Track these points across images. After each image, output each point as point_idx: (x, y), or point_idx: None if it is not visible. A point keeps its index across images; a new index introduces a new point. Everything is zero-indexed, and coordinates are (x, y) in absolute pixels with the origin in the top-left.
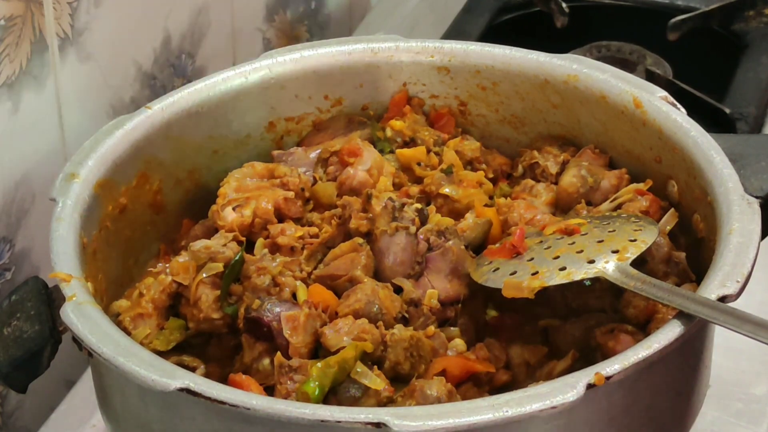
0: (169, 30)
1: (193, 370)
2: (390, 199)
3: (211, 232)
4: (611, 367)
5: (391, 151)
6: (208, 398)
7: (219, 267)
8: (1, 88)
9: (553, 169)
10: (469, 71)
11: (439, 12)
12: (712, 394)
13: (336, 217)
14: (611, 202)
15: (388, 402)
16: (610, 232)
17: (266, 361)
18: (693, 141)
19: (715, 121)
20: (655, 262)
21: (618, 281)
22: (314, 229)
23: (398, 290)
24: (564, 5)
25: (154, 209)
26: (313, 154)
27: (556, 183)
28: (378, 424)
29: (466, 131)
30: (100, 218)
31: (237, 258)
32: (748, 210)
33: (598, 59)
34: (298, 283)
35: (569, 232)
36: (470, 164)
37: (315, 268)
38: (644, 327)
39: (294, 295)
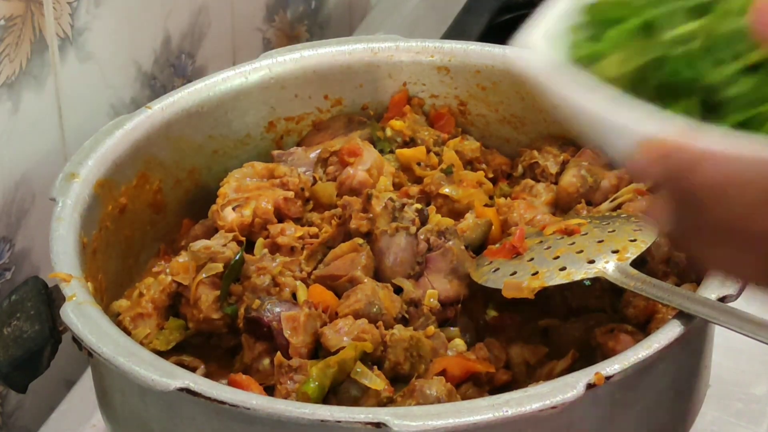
0: (169, 30)
1: (193, 370)
2: (390, 199)
3: (211, 232)
4: (611, 367)
5: (391, 151)
6: (208, 398)
7: (219, 267)
8: (1, 88)
9: (553, 169)
10: (469, 71)
11: (439, 12)
12: (712, 394)
13: (336, 217)
14: (611, 202)
15: (388, 402)
16: (610, 232)
17: (266, 361)
18: None
19: None
20: (655, 262)
21: (618, 281)
22: (314, 229)
23: (398, 290)
24: None
25: (154, 209)
26: (313, 154)
27: (556, 183)
28: (378, 424)
29: (466, 131)
30: (100, 218)
31: (237, 258)
32: None
33: None
34: (298, 283)
35: (569, 233)
36: (470, 164)
37: (315, 269)
38: (644, 327)
39: (294, 295)
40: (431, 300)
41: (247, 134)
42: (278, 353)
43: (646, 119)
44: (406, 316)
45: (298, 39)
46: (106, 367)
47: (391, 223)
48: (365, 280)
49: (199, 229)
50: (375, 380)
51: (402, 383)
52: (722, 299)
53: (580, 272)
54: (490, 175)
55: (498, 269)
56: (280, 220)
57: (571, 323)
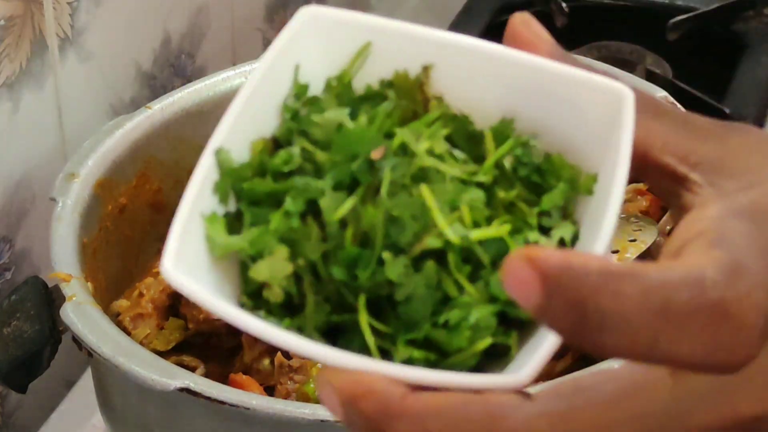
0: (168, 30)
1: (193, 370)
2: None
3: None
4: (611, 367)
5: None
6: (208, 398)
7: None
8: (1, 88)
9: None
10: None
11: (439, 12)
12: None
13: None
14: None
15: None
16: None
17: (266, 361)
18: None
19: None
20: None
21: None
22: None
23: None
24: (563, 5)
25: (154, 209)
26: None
27: None
28: None
29: None
30: (100, 218)
31: None
32: None
33: (597, 59)
34: None
35: None
36: None
37: None
38: None
39: None
40: None
41: None
42: (278, 353)
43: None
44: None
45: None
46: (106, 367)
47: None
48: None
49: None
50: None
51: None
52: None
53: None
54: None
55: None
56: None
57: None
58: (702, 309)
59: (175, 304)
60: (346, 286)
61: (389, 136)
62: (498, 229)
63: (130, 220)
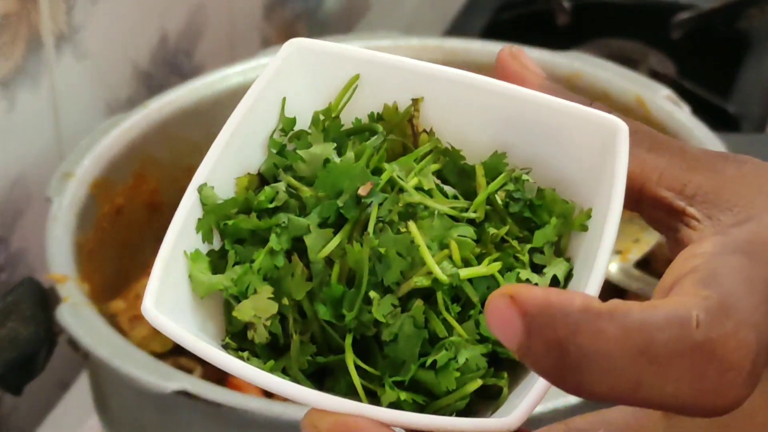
0: (165, 28)
1: (190, 372)
2: None
3: None
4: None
5: None
6: (206, 400)
7: None
8: None
9: None
10: (471, 69)
11: (440, 10)
12: None
13: None
14: None
15: None
16: None
17: None
18: (697, 140)
19: (719, 120)
20: (658, 263)
21: (621, 282)
22: None
23: None
24: (565, 3)
25: (150, 209)
26: None
27: None
28: None
29: None
30: (96, 218)
31: None
32: None
33: (600, 57)
34: None
35: None
36: None
37: None
38: None
39: None
40: None
41: None
42: None
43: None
44: None
45: (296, 37)
46: (102, 369)
47: None
48: None
49: None
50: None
51: None
52: None
53: None
54: None
55: None
56: None
57: None
58: (686, 350)
59: None
60: (332, 326)
61: (377, 171)
62: (488, 267)
63: (126, 221)
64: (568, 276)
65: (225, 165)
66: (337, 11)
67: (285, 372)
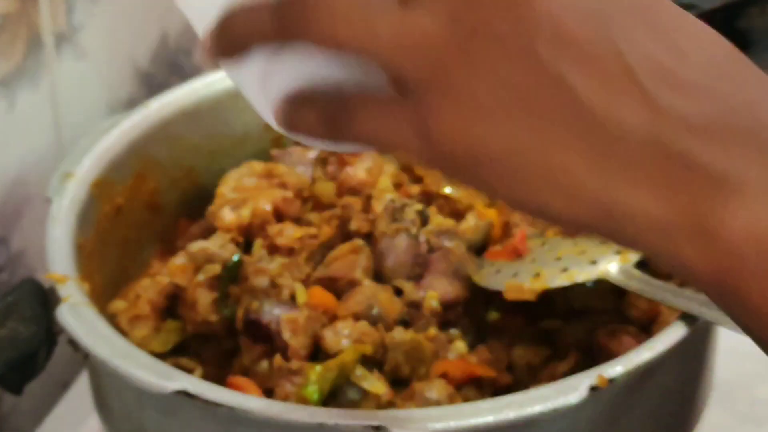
0: (166, 28)
1: (190, 372)
2: (391, 200)
3: (209, 232)
4: (614, 369)
5: None
6: (206, 400)
7: (216, 269)
8: None
9: None
10: None
11: None
12: (715, 397)
13: (335, 218)
14: None
15: (388, 405)
16: None
17: (265, 364)
18: None
19: None
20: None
21: (621, 283)
22: (313, 230)
23: (399, 292)
24: None
25: (150, 209)
26: (312, 154)
27: None
28: (377, 428)
29: None
30: (96, 218)
31: (235, 259)
32: None
33: None
34: (297, 284)
35: (570, 233)
36: None
37: (314, 270)
38: (647, 328)
39: (293, 297)
40: (432, 302)
41: (246, 134)
42: (277, 355)
43: None
44: (407, 318)
45: None
46: (102, 369)
47: (391, 224)
48: (365, 282)
49: (197, 229)
50: (375, 383)
51: (402, 386)
52: None
53: (582, 274)
54: None
55: (500, 271)
56: (280, 221)
57: (574, 325)
58: None
59: (173, 305)
60: None
61: None
62: None
63: (126, 221)
64: None
65: None
66: None
67: None
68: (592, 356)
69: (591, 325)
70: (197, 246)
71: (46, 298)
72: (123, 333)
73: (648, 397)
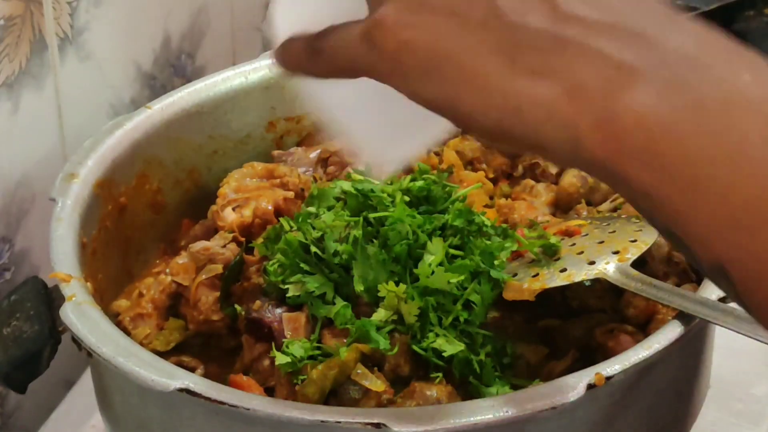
0: (168, 30)
1: (192, 370)
2: None
3: (211, 232)
4: (611, 367)
5: None
6: (208, 398)
7: (218, 268)
8: (1, 88)
9: (554, 169)
10: None
11: None
12: (712, 395)
13: None
14: (611, 202)
15: (388, 403)
16: (610, 233)
17: (266, 362)
18: None
19: None
20: (655, 263)
21: (618, 282)
22: None
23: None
24: None
25: (153, 209)
26: (313, 154)
27: (556, 183)
28: (378, 425)
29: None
30: (99, 218)
31: (237, 259)
32: None
33: None
34: None
35: (570, 234)
36: (470, 164)
37: None
38: (645, 327)
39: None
40: None
41: (247, 134)
42: (278, 354)
43: None
44: None
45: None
46: (105, 367)
47: None
48: None
49: (199, 229)
50: (375, 382)
51: (402, 385)
52: (723, 299)
53: (580, 273)
54: (491, 176)
55: None
56: None
57: (572, 323)
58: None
59: (175, 304)
60: None
61: None
62: None
63: (129, 221)
64: None
65: None
66: None
67: None
68: (590, 355)
69: (589, 324)
70: (199, 246)
71: (49, 297)
72: (126, 331)
73: (645, 395)
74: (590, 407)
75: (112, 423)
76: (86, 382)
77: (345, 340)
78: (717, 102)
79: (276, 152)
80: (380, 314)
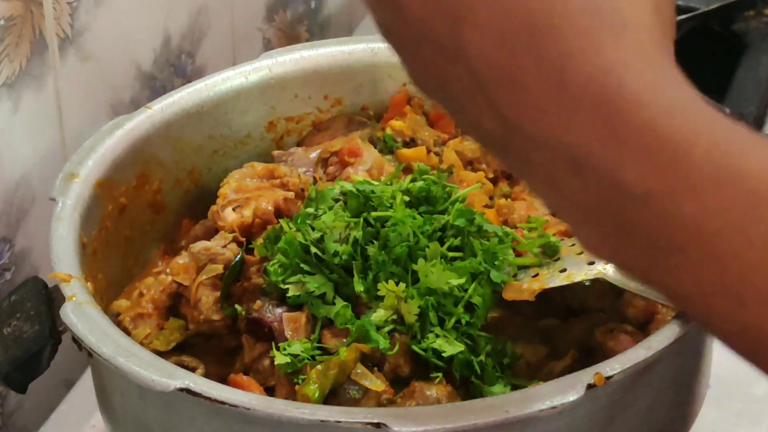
0: (168, 30)
1: (192, 370)
2: None
3: (211, 232)
4: (611, 367)
5: (391, 152)
6: (208, 398)
7: (219, 268)
8: (1, 88)
9: None
10: None
11: None
12: (712, 395)
13: None
14: None
15: (388, 403)
16: None
17: (266, 362)
18: None
19: None
20: None
21: (618, 282)
22: None
23: None
24: None
25: (153, 209)
26: (313, 155)
27: None
28: (378, 425)
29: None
30: (100, 218)
31: (237, 259)
32: None
33: None
34: None
35: (570, 234)
36: (470, 164)
37: None
38: (644, 327)
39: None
40: None
41: (247, 134)
42: (278, 354)
43: None
44: None
45: (298, 39)
46: (105, 367)
47: None
48: None
49: (199, 229)
50: (375, 381)
51: (402, 385)
52: None
53: (580, 274)
54: (491, 176)
55: None
56: None
57: (571, 323)
58: None
59: (176, 304)
60: None
61: None
62: None
63: (129, 221)
64: None
65: None
66: (338, 13)
67: None
68: (590, 355)
69: (589, 324)
70: (199, 246)
71: (50, 297)
72: (126, 331)
73: (645, 395)
74: (590, 407)
75: (112, 423)
76: (86, 382)
77: (345, 340)
78: None
79: (276, 152)
80: (380, 314)
